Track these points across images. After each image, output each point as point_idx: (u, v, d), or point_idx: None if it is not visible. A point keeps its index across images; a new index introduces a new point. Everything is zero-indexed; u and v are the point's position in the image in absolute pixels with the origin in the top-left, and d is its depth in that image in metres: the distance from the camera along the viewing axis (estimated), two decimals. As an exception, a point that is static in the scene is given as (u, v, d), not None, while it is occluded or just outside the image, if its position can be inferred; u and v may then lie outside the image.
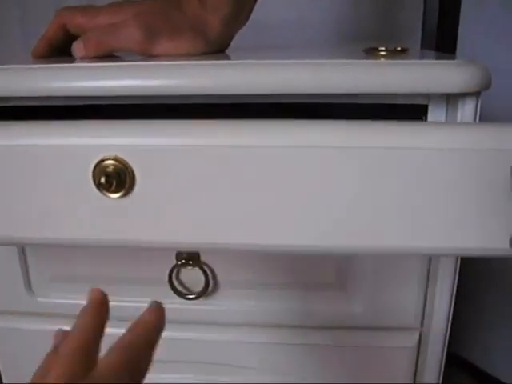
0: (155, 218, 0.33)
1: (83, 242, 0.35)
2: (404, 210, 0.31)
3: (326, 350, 0.52)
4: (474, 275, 0.94)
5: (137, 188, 0.32)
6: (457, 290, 0.49)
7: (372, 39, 0.98)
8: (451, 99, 0.42)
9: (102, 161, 0.31)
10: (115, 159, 0.31)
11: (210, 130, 0.32)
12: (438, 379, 0.54)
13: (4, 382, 0.58)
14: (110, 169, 0.31)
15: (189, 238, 0.33)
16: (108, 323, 0.33)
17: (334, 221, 0.32)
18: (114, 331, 0.31)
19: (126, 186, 0.32)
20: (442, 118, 0.43)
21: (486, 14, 0.89)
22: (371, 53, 0.45)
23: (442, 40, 0.86)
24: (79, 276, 0.52)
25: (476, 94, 0.41)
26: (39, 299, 0.54)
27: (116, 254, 0.50)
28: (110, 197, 0.32)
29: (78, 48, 0.47)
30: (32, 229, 0.35)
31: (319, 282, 0.50)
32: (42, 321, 0.54)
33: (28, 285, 0.53)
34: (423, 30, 0.89)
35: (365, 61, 0.39)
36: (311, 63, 0.38)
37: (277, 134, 0.32)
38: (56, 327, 0.34)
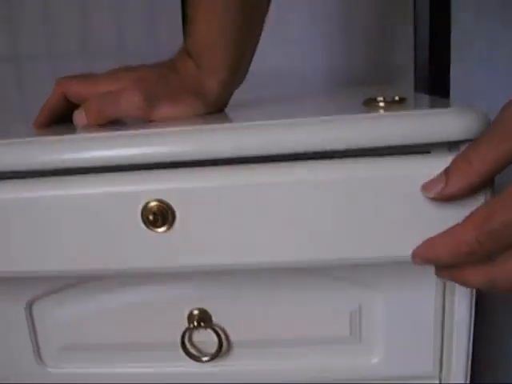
0: (194, 245, 0.41)
1: (132, 271, 0.43)
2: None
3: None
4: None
5: (177, 223, 0.40)
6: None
7: (365, 84, 0.99)
8: (452, 145, 0.42)
9: (149, 202, 0.40)
10: (159, 201, 0.40)
11: (225, 174, 0.40)
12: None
13: None
14: (155, 208, 0.40)
15: (220, 259, 0.41)
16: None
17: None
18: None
19: (169, 221, 0.40)
20: (446, 164, 0.43)
21: (474, 53, 0.90)
22: (370, 104, 0.46)
23: (434, 79, 0.88)
24: (90, 345, 0.51)
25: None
26: (50, 369, 0.53)
27: (127, 320, 0.50)
28: (156, 231, 0.40)
29: (79, 118, 0.48)
30: (87, 261, 0.43)
31: (334, 336, 0.49)
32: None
33: (38, 355, 0.52)
34: (415, 70, 0.90)
35: (366, 114, 0.40)
36: (311, 121, 0.39)
37: (279, 174, 0.40)
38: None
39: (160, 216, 0.40)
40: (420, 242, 0.39)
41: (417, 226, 0.39)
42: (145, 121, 0.48)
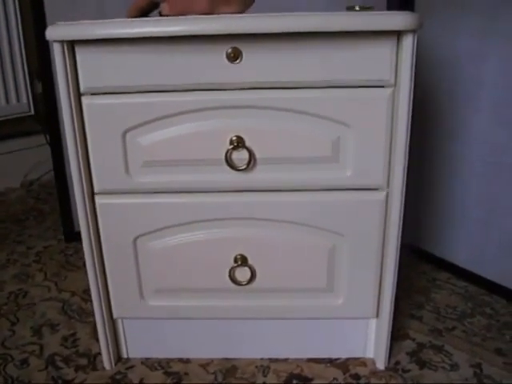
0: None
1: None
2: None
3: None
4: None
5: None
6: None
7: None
8: (401, 36, 0.70)
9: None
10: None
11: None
12: (398, 229, 0.82)
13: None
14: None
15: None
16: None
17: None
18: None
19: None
20: (395, 47, 0.72)
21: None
22: (350, 9, 0.74)
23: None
24: (167, 161, 0.79)
25: (413, 32, 0.69)
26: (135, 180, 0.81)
27: (191, 145, 0.78)
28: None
29: (164, 9, 0.74)
30: None
31: (318, 156, 0.79)
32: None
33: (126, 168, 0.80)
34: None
35: (348, 12, 0.68)
36: (317, 14, 0.67)
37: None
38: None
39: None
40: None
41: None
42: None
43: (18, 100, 1.80)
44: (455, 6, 1.09)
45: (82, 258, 1.32)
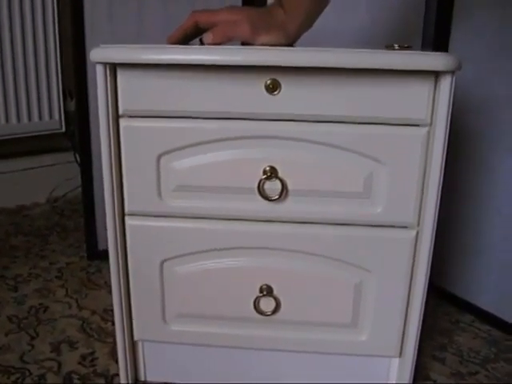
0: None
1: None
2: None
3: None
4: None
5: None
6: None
7: (383, 41, 1.26)
8: (438, 77, 0.71)
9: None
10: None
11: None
12: (428, 266, 0.81)
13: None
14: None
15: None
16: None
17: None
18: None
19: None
20: (432, 89, 0.72)
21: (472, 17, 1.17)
22: (389, 47, 0.75)
23: (438, 41, 1.16)
24: (200, 187, 0.80)
25: (451, 73, 0.70)
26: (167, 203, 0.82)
27: (224, 174, 0.79)
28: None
29: (207, 37, 0.75)
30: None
31: (350, 192, 0.79)
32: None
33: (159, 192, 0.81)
34: (423, 35, 1.19)
35: (388, 50, 0.69)
36: (358, 51, 0.68)
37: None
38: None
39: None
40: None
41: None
42: (250, 43, 0.75)
43: (51, 117, 1.83)
44: (490, 48, 1.09)
45: (104, 277, 1.34)
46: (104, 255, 0.86)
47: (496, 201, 1.12)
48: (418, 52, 0.70)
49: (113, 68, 0.75)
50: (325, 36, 1.24)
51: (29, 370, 0.98)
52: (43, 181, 1.90)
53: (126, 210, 0.81)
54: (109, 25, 1.28)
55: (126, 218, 0.82)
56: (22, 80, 1.74)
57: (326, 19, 1.12)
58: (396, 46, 0.77)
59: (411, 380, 0.88)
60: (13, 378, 0.95)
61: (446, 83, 0.71)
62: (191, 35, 0.79)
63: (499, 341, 1.11)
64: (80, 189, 1.43)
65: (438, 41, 1.14)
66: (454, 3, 1.14)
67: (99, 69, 0.74)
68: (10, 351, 1.03)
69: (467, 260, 1.21)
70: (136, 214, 0.82)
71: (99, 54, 0.73)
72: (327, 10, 0.82)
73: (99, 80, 0.75)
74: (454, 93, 0.72)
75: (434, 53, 0.70)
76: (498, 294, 1.15)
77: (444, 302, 1.26)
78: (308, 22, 0.78)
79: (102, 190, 0.80)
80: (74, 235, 1.64)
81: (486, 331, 1.15)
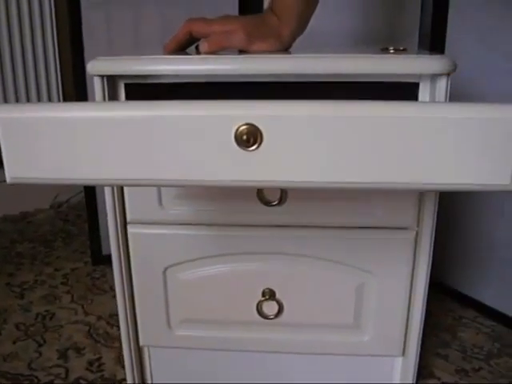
0: (278, 162, 0.45)
1: (224, 184, 0.47)
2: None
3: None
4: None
5: (264, 143, 0.44)
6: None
7: (378, 42, 1.27)
8: (434, 78, 0.71)
9: (241, 126, 0.44)
10: (249, 124, 0.44)
11: (311, 106, 0.44)
12: (428, 266, 0.82)
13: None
14: (246, 130, 0.44)
15: (298, 177, 0.45)
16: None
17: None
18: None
19: (258, 142, 0.44)
20: (428, 90, 0.73)
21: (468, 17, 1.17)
22: (384, 50, 0.75)
23: (434, 41, 1.17)
24: (196, 195, 0.81)
25: (447, 75, 0.70)
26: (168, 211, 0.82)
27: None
28: (247, 150, 0.44)
29: (203, 46, 0.76)
30: (181, 174, 0.47)
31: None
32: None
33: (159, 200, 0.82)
34: (420, 33, 1.19)
35: (383, 55, 0.69)
36: (352, 56, 0.68)
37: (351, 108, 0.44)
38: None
39: (251, 137, 0.44)
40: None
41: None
42: (245, 51, 0.76)
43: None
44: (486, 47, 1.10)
45: (109, 282, 1.35)
46: (108, 260, 0.86)
47: (498, 197, 1.13)
48: (412, 56, 0.70)
49: (111, 80, 0.76)
50: (319, 37, 1.25)
51: (37, 378, 0.99)
52: (46, 186, 1.91)
53: (128, 218, 0.82)
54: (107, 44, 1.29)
55: (128, 226, 0.83)
56: (23, 87, 1.75)
57: (320, 21, 1.12)
58: (391, 50, 0.77)
59: (415, 379, 0.88)
60: (21, 385, 0.97)
61: (441, 84, 0.72)
62: (186, 44, 0.80)
63: (502, 336, 1.12)
64: (83, 193, 1.44)
65: (434, 40, 1.15)
66: (448, 2, 1.15)
67: (97, 81, 0.75)
68: (18, 359, 1.05)
69: (470, 256, 1.21)
70: (138, 222, 0.83)
71: (96, 66, 0.74)
72: (320, 11, 0.82)
73: (97, 91, 0.75)
74: (451, 92, 0.73)
75: (428, 56, 0.71)
76: (500, 289, 1.16)
77: (447, 297, 1.26)
78: (301, 26, 0.79)
79: (105, 194, 0.81)
80: (78, 240, 1.65)
81: (490, 326, 1.16)
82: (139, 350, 0.92)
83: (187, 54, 0.78)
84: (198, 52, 0.78)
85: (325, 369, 0.92)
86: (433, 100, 0.73)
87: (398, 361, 0.90)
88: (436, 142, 0.44)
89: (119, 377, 0.99)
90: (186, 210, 0.81)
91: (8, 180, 0.49)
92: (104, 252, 1.45)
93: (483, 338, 1.12)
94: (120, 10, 1.29)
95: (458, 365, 1.02)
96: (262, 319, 0.84)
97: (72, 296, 1.30)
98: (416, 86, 0.73)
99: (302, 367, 0.92)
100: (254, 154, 0.45)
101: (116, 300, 0.86)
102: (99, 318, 1.20)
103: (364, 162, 0.44)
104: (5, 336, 1.13)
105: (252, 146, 0.44)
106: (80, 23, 1.27)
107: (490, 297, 1.19)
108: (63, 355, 1.06)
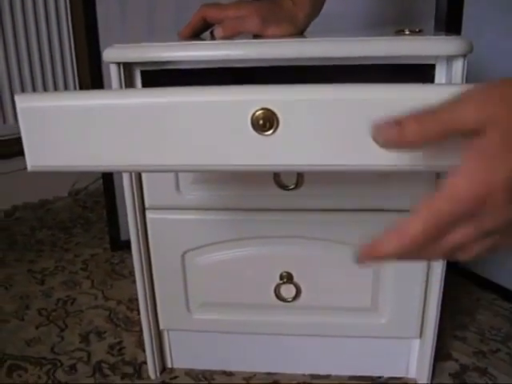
0: (294, 146, 0.45)
1: (240, 168, 0.47)
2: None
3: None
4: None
5: (280, 127, 0.44)
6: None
7: (394, 24, 1.26)
8: (450, 60, 0.71)
9: (257, 111, 0.44)
10: (266, 109, 0.44)
11: (326, 90, 0.45)
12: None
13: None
14: (262, 115, 0.44)
15: (314, 160, 0.45)
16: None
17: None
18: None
19: (274, 126, 0.44)
20: (444, 72, 0.72)
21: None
22: (399, 33, 0.75)
23: (450, 23, 1.16)
24: (213, 181, 0.81)
25: (463, 56, 0.70)
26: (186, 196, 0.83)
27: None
28: (264, 134, 0.45)
29: (218, 31, 0.76)
30: (198, 159, 0.47)
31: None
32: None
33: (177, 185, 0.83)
34: (436, 15, 1.18)
35: (398, 36, 0.69)
36: (367, 38, 0.68)
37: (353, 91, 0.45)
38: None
39: (267, 121, 0.43)
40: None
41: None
42: (260, 36, 0.76)
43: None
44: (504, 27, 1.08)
45: (128, 267, 1.37)
46: (126, 245, 0.88)
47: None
48: (428, 37, 0.70)
49: (127, 67, 0.76)
50: (334, 21, 1.24)
51: (60, 361, 1.01)
52: (64, 174, 1.93)
53: (146, 204, 0.83)
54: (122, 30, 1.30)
55: (147, 212, 0.84)
56: (39, 76, 1.76)
57: (334, 4, 1.11)
58: (407, 31, 0.76)
59: (432, 360, 0.89)
60: (45, 369, 0.99)
61: (458, 65, 0.71)
62: (201, 30, 0.80)
63: (521, 318, 1.12)
64: (101, 180, 1.46)
65: (450, 22, 1.13)
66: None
67: (113, 68, 0.75)
68: (41, 343, 1.07)
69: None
70: (156, 207, 0.84)
71: (112, 54, 0.74)
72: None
73: (114, 78, 0.76)
74: (467, 74, 0.72)
75: (444, 37, 0.70)
76: (518, 271, 1.15)
77: (465, 280, 1.26)
78: (316, 9, 0.79)
79: (123, 180, 0.82)
80: (97, 227, 1.67)
81: (508, 309, 1.15)
82: (159, 334, 0.94)
83: (202, 39, 0.79)
84: (212, 37, 0.78)
85: (342, 351, 0.92)
86: (449, 82, 0.72)
87: (416, 343, 0.90)
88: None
89: (140, 360, 1.00)
90: (203, 195, 0.82)
91: (29, 168, 0.50)
92: (122, 238, 1.47)
93: (501, 320, 1.11)
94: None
95: (476, 347, 1.03)
96: (280, 302, 0.85)
97: (92, 281, 1.32)
98: (432, 67, 0.73)
99: (320, 348, 0.93)
100: (270, 139, 0.45)
101: (135, 285, 0.87)
102: (119, 302, 1.22)
103: (380, 145, 0.45)
104: (28, 321, 1.15)
105: (268, 130, 0.44)
106: (95, 11, 1.28)
107: (508, 279, 1.18)
108: (85, 339, 1.08)
